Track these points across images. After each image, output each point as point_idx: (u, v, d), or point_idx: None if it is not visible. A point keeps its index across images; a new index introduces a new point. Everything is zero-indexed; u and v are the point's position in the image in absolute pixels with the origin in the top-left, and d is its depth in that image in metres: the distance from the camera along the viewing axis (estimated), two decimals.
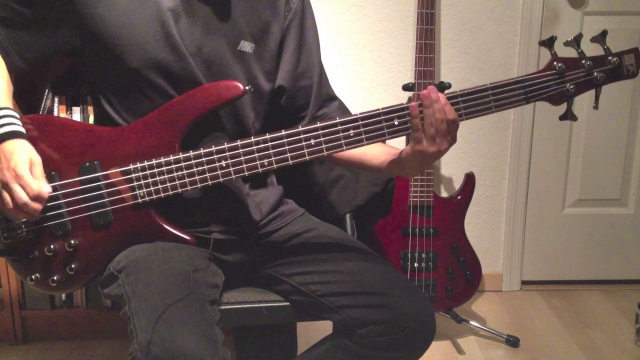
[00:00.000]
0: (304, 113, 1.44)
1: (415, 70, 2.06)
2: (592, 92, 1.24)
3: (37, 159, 1.23)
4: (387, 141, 1.25)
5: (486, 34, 2.37)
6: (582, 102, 2.29)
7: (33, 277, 1.30)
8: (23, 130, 1.24)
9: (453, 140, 1.19)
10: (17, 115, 1.26)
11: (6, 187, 1.20)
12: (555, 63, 1.21)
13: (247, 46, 1.33)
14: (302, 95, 1.43)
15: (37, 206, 1.21)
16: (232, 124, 1.34)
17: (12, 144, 1.22)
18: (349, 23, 2.32)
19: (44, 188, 1.21)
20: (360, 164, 1.35)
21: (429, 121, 1.16)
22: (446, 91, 1.21)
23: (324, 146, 1.22)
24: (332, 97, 1.50)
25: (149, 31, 1.25)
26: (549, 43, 1.21)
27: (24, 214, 1.22)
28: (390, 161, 1.28)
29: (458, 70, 2.39)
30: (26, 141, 1.24)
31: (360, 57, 2.36)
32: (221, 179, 1.25)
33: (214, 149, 1.23)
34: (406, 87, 2.06)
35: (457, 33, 2.36)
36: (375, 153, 1.32)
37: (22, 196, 1.19)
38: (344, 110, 1.52)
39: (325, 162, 1.59)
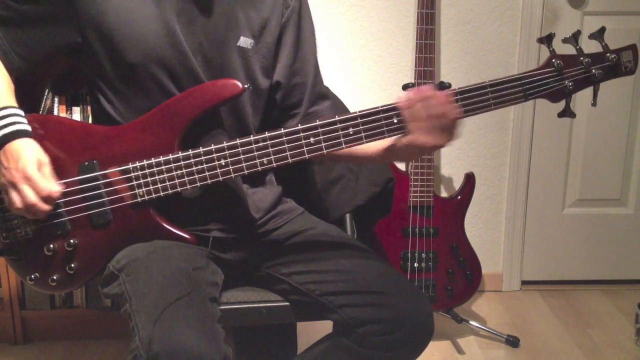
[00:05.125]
0: (296, 110, 1.43)
1: (415, 70, 2.06)
2: (591, 89, 1.25)
3: (45, 159, 1.22)
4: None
5: (486, 34, 2.37)
6: (582, 102, 2.29)
7: (32, 276, 1.29)
8: (29, 128, 1.24)
9: (454, 136, 1.20)
10: (22, 113, 1.25)
11: (15, 187, 1.18)
12: (553, 60, 1.21)
13: (246, 42, 1.33)
14: (297, 92, 1.43)
15: (46, 207, 1.20)
16: (232, 120, 1.34)
17: (19, 144, 1.21)
18: (349, 23, 2.32)
19: (54, 188, 1.21)
20: (351, 156, 1.34)
21: (420, 115, 1.17)
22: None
23: (323, 144, 1.22)
24: (325, 96, 1.49)
25: (149, 27, 1.25)
26: (547, 40, 1.22)
27: (32, 214, 1.21)
28: (385, 148, 1.28)
29: (458, 70, 2.39)
30: (33, 140, 1.23)
31: (360, 57, 2.36)
32: (220, 178, 1.25)
33: (213, 147, 1.23)
34: (406, 87, 2.06)
35: (457, 33, 2.36)
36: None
37: (31, 197, 1.18)
38: (335, 110, 1.51)
39: (325, 162, 1.59)
